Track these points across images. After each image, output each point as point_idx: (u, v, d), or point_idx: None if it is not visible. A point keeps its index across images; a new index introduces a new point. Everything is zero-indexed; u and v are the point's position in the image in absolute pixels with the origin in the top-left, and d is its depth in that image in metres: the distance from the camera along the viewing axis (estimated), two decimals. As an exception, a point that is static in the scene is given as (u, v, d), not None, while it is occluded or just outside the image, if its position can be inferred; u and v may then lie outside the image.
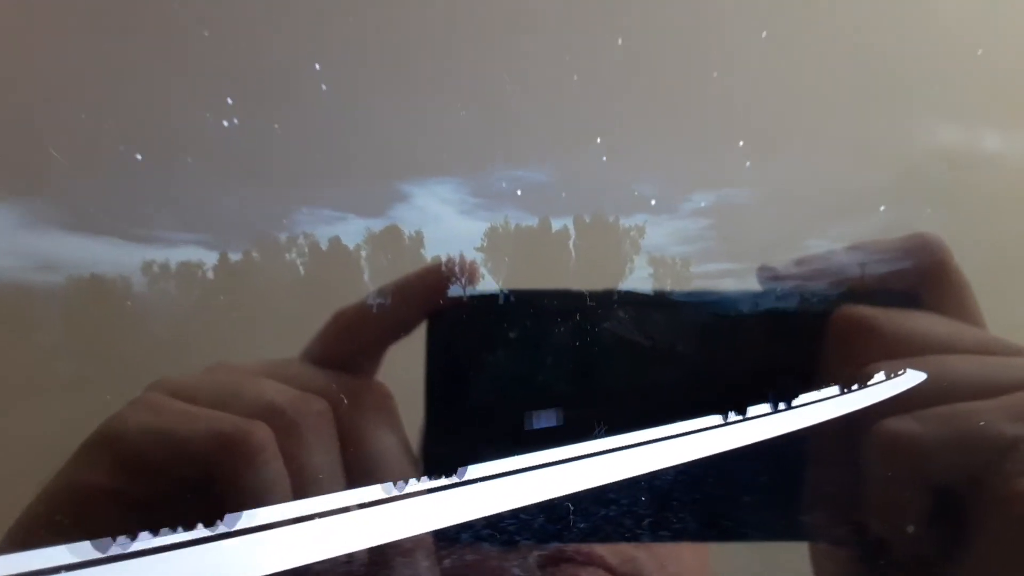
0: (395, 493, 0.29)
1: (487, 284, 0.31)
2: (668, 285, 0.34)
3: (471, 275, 0.31)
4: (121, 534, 0.25)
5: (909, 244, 0.31)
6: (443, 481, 0.29)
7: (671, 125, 0.36)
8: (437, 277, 0.31)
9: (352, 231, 0.33)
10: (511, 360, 0.31)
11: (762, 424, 0.31)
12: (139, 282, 0.32)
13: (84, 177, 0.31)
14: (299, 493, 0.28)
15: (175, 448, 0.27)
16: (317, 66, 0.33)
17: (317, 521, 0.27)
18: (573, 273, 0.36)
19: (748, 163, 0.34)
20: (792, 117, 0.36)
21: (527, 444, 0.30)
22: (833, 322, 0.31)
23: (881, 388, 0.30)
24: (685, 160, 0.36)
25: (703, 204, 0.35)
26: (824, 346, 0.31)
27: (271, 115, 0.33)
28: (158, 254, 0.32)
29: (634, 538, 0.31)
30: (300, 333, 0.31)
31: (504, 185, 0.34)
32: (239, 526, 0.26)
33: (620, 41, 0.35)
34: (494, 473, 0.30)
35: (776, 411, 0.31)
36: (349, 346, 0.30)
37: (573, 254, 0.35)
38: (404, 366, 0.31)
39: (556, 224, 0.35)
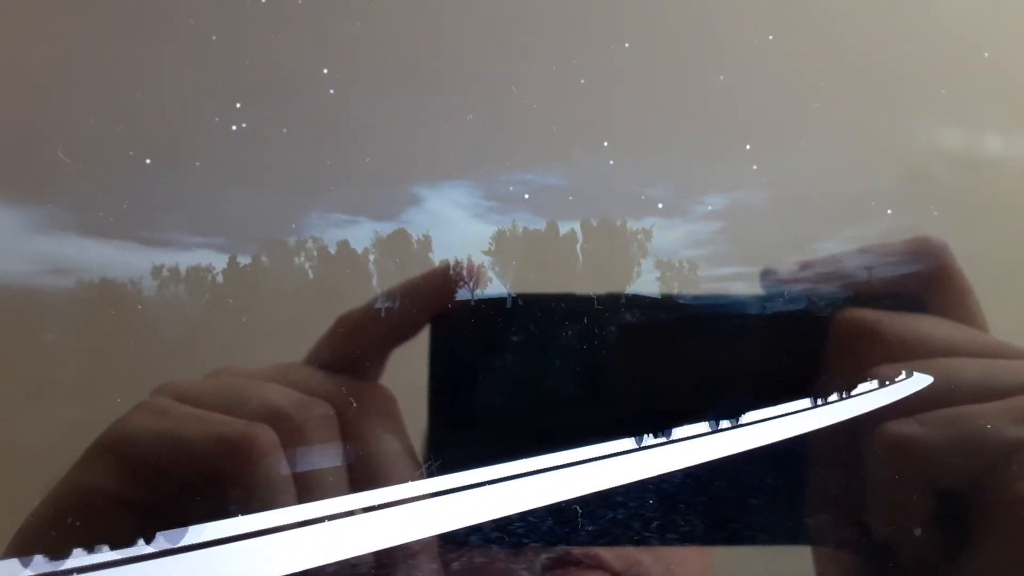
0: (399, 497, 0.29)
1: (495, 287, 0.31)
2: (675, 289, 0.34)
3: (477, 278, 0.31)
4: (126, 537, 0.25)
5: (912, 247, 0.31)
6: (447, 484, 0.30)
7: (677, 129, 0.36)
8: (441, 280, 0.31)
9: (362, 235, 0.34)
10: (516, 363, 0.31)
11: (766, 428, 0.31)
12: (148, 286, 0.32)
13: (94, 181, 0.32)
14: (303, 497, 0.28)
15: (180, 452, 0.27)
16: (325, 71, 0.33)
17: (321, 525, 0.28)
18: (580, 277, 0.36)
19: (755, 166, 0.34)
20: (799, 120, 0.36)
21: (532, 447, 0.30)
22: (836, 325, 0.31)
23: (884, 391, 0.30)
24: (692, 164, 0.36)
25: (710, 208, 0.35)
26: (827, 349, 0.31)
27: (279, 119, 0.33)
28: (167, 258, 0.32)
29: (640, 541, 0.31)
30: (308, 337, 0.31)
31: (511, 189, 0.34)
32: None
33: (627, 45, 0.35)
34: (498, 477, 0.30)
35: (779, 415, 0.31)
36: (353, 349, 0.30)
37: (580, 258, 0.35)
38: (408, 370, 0.31)
39: (563, 228, 0.35)
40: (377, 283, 0.33)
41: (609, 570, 0.35)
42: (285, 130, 0.33)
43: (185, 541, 0.26)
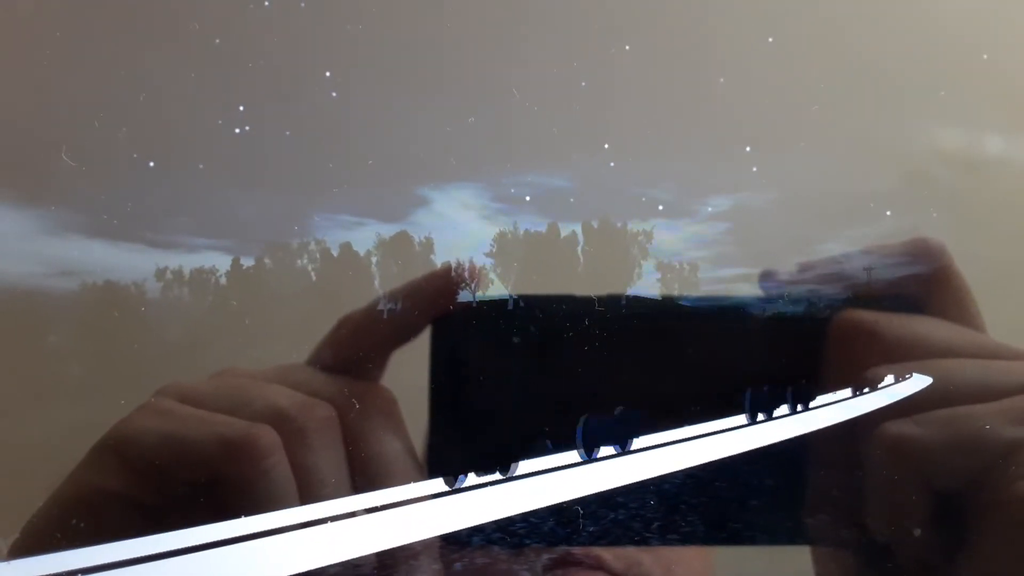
0: (400, 497, 0.29)
1: (496, 289, 0.32)
2: (675, 290, 0.34)
3: (478, 280, 0.31)
4: (130, 538, 0.26)
5: (911, 249, 0.31)
6: (448, 485, 0.30)
7: (678, 131, 0.36)
8: (443, 282, 0.31)
9: (365, 237, 0.34)
10: (516, 364, 0.31)
11: (765, 429, 0.31)
12: (152, 287, 0.32)
13: (97, 183, 0.32)
14: (305, 497, 0.28)
15: (183, 452, 0.27)
16: (328, 73, 0.33)
17: (324, 526, 0.28)
18: (581, 278, 0.36)
19: (755, 168, 0.35)
20: (799, 122, 0.36)
21: (532, 449, 0.30)
22: (834, 326, 0.31)
23: (883, 392, 0.30)
24: (693, 166, 0.36)
25: (711, 209, 0.35)
26: (826, 350, 0.31)
27: (282, 122, 0.33)
28: (171, 260, 0.32)
29: (641, 542, 0.31)
30: (310, 339, 0.31)
31: (513, 191, 0.34)
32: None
33: (628, 47, 0.35)
34: (499, 478, 0.30)
35: (780, 416, 0.31)
36: (355, 351, 0.31)
37: (582, 259, 0.35)
38: (409, 371, 0.31)
39: (565, 229, 0.35)
40: (379, 285, 0.33)
41: (610, 570, 0.35)
42: (288, 133, 0.33)
43: (188, 542, 0.26)
